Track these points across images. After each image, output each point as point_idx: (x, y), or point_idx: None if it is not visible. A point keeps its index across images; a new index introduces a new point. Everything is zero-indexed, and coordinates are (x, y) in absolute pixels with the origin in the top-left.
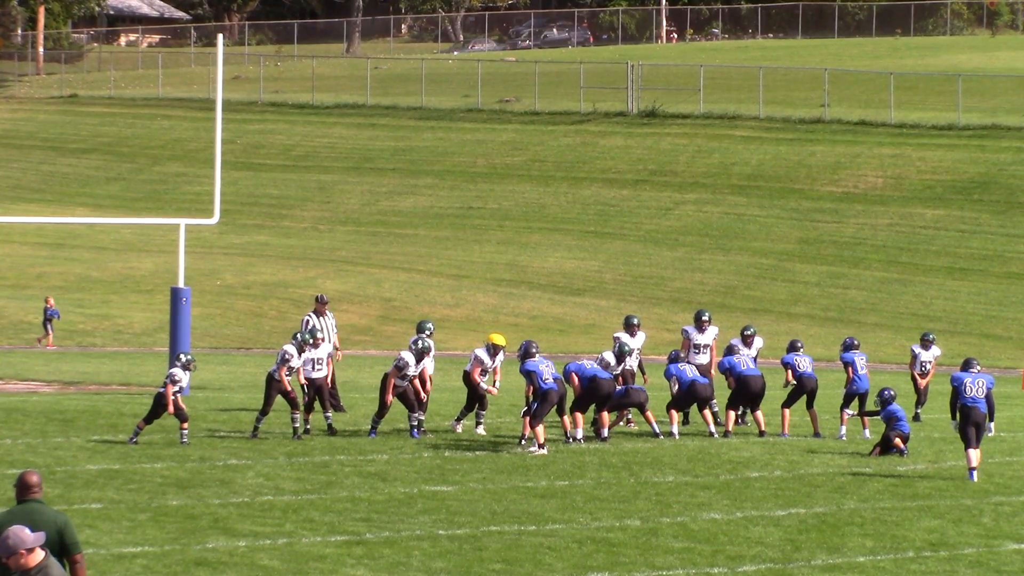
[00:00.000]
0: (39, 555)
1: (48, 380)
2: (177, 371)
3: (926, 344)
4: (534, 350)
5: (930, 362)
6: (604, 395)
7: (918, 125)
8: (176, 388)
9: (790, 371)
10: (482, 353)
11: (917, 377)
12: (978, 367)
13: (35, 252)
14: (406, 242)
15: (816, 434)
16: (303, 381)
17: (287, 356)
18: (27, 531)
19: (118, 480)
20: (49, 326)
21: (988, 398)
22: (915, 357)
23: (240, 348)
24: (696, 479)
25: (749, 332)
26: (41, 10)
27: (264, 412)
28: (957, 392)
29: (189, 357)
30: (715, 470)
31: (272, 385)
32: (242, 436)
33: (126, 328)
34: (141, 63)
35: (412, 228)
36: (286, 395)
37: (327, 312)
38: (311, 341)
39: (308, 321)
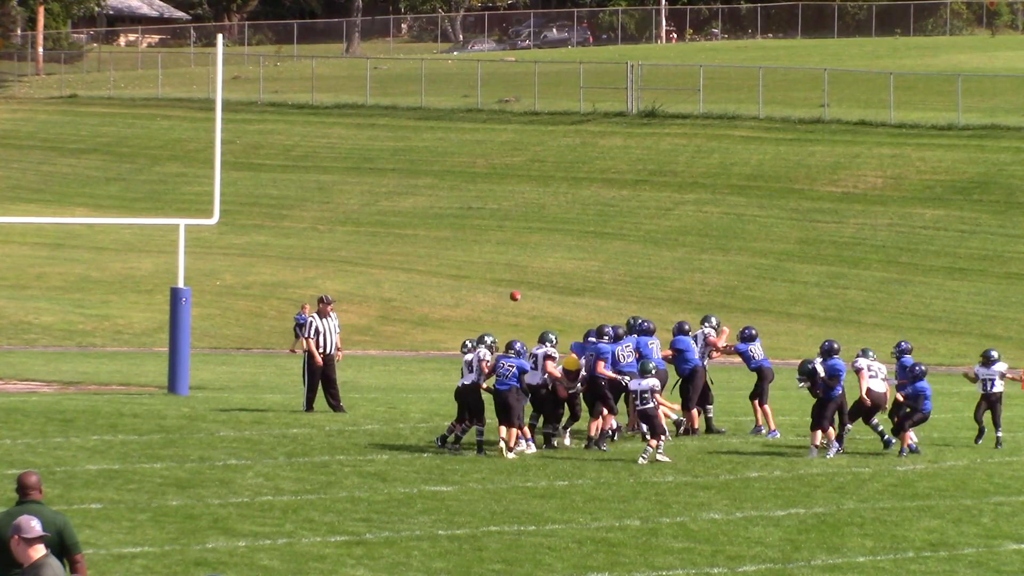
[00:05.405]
0: (40, 551)
1: (48, 380)
2: (482, 350)
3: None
4: (518, 346)
5: (992, 380)
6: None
7: (918, 125)
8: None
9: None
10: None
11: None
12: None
13: (35, 252)
14: (406, 242)
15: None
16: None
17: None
18: (37, 523)
19: (118, 480)
20: (299, 330)
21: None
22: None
23: (240, 348)
24: (696, 479)
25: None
26: (41, 10)
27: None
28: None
29: (493, 338)
30: (715, 470)
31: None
32: (242, 436)
33: (126, 328)
34: (141, 63)
35: (412, 228)
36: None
37: (330, 313)
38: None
39: (311, 322)
